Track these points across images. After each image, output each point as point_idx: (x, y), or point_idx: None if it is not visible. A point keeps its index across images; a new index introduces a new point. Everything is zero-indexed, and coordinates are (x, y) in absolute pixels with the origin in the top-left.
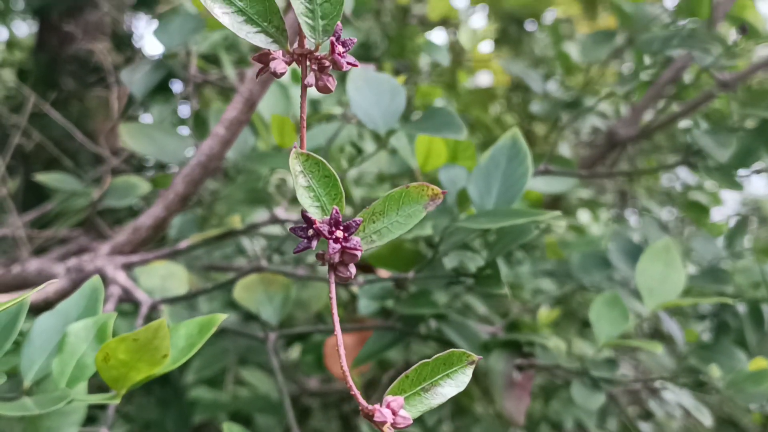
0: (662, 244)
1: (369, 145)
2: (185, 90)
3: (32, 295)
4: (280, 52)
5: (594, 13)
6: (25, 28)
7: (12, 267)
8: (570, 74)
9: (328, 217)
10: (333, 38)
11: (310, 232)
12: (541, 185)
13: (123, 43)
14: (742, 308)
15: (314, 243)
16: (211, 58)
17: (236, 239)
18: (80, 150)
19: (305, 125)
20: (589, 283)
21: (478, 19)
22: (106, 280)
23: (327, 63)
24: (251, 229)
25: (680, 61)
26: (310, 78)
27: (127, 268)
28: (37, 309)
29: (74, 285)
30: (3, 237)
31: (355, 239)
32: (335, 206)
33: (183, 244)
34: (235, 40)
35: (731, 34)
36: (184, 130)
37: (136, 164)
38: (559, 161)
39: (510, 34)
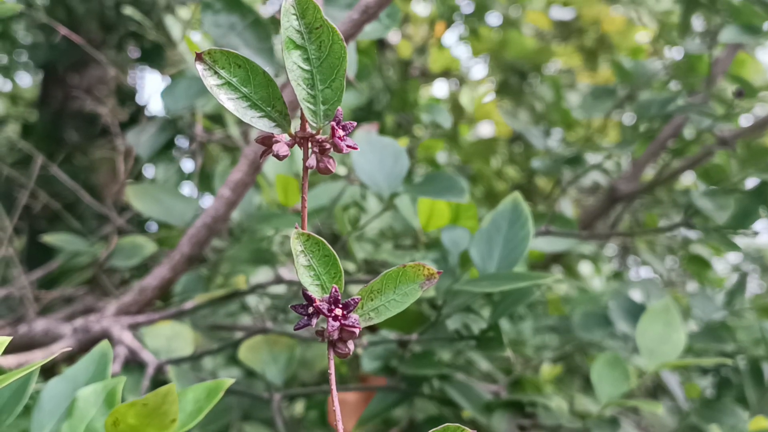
0: (662, 305)
1: (372, 203)
2: (190, 148)
3: (39, 356)
4: (283, 135)
5: (595, 65)
6: (28, 79)
7: (19, 327)
8: (571, 130)
9: (328, 296)
10: (334, 123)
11: (311, 309)
12: (543, 245)
13: (127, 97)
14: (743, 363)
15: (314, 321)
16: (215, 117)
17: (241, 297)
18: (85, 204)
19: (306, 205)
20: (590, 341)
21: (479, 71)
22: (112, 341)
23: (328, 146)
24: (256, 289)
25: (680, 117)
26: (312, 160)
27: (134, 328)
28: (43, 369)
29: (81, 345)
30: (9, 295)
31: (354, 317)
32: (334, 285)
33: (188, 305)
34: None
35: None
36: (188, 187)
37: (142, 221)
38: (561, 221)
39: (511, 84)
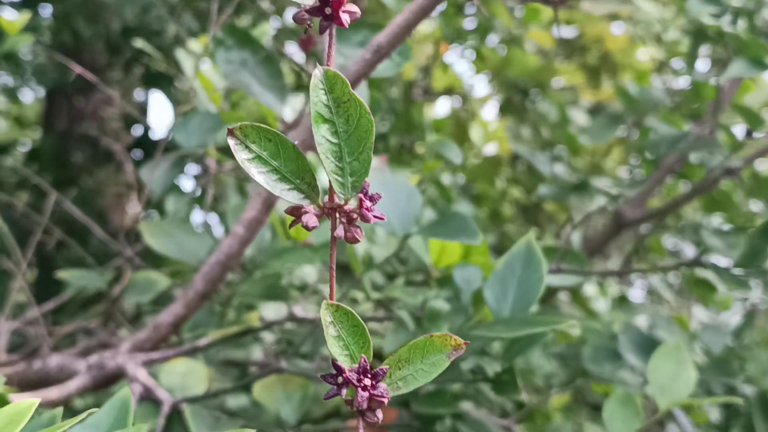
0: (673, 344)
1: (381, 234)
2: (201, 181)
3: (55, 393)
4: (312, 206)
5: (598, 82)
6: (30, 95)
7: (33, 362)
8: (576, 155)
9: (357, 365)
10: (362, 194)
11: (340, 380)
12: (554, 281)
13: (133, 120)
14: (751, 393)
15: (344, 391)
16: (227, 149)
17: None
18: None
19: (334, 275)
20: (600, 375)
21: (482, 88)
22: (127, 378)
23: (356, 216)
24: (269, 326)
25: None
26: (340, 230)
27: (148, 365)
28: (58, 405)
29: (96, 382)
30: (21, 329)
31: (383, 387)
32: (363, 355)
33: (202, 342)
34: None
35: (737, 128)
36: (198, 215)
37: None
38: (571, 257)
39: (514, 102)
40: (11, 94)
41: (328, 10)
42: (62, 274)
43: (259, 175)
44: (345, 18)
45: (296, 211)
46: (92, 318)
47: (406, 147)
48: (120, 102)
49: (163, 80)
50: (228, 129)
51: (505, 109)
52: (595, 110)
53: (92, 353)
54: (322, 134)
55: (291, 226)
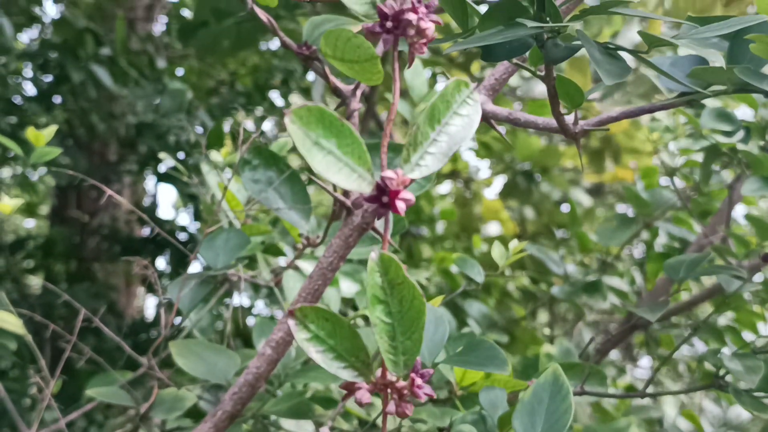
0: None
1: None
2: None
3: None
4: (364, 383)
5: (601, 166)
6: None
7: None
8: (587, 253)
9: None
10: (413, 373)
11: None
12: (578, 399)
13: (146, 213)
14: None
15: None
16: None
17: None
18: (105, 317)
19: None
20: None
21: (485, 171)
22: None
23: (406, 393)
24: None
25: (699, 243)
26: (391, 407)
27: None
28: None
29: None
30: None
31: None
32: None
33: None
34: (272, 245)
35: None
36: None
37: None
38: (593, 375)
39: (518, 184)
40: (26, 183)
41: (385, 199)
42: (91, 392)
43: (316, 354)
44: (401, 206)
45: (350, 387)
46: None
47: (415, 237)
48: (131, 197)
49: (173, 178)
50: (288, 310)
51: (508, 192)
52: (596, 190)
53: None
54: (377, 315)
55: (344, 399)
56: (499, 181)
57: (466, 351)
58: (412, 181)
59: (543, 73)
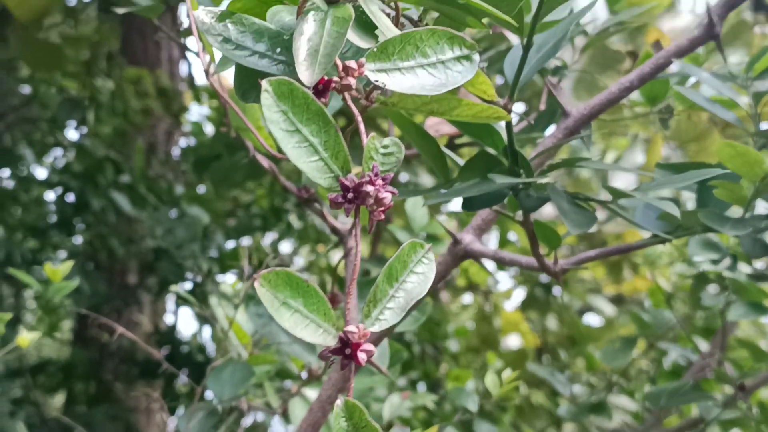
0: None
1: None
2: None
3: None
4: None
5: (619, 277)
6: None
7: None
8: (594, 372)
9: None
10: None
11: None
12: None
13: (164, 337)
14: None
15: None
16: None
17: None
18: None
19: None
20: None
21: (505, 283)
22: None
23: None
24: None
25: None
26: None
27: None
28: None
29: None
30: None
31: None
32: None
33: None
34: (280, 369)
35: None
36: None
37: None
38: None
39: (537, 296)
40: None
41: (348, 351)
42: None
43: None
44: (362, 357)
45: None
46: None
47: (429, 355)
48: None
49: (190, 302)
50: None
51: (528, 303)
52: (618, 299)
53: None
54: None
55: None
56: (519, 293)
57: None
58: (373, 333)
59: (521, 219)
